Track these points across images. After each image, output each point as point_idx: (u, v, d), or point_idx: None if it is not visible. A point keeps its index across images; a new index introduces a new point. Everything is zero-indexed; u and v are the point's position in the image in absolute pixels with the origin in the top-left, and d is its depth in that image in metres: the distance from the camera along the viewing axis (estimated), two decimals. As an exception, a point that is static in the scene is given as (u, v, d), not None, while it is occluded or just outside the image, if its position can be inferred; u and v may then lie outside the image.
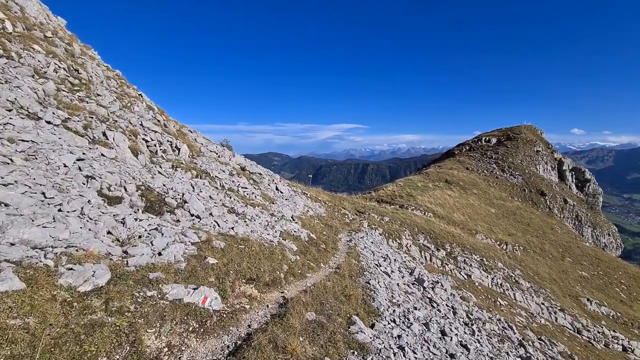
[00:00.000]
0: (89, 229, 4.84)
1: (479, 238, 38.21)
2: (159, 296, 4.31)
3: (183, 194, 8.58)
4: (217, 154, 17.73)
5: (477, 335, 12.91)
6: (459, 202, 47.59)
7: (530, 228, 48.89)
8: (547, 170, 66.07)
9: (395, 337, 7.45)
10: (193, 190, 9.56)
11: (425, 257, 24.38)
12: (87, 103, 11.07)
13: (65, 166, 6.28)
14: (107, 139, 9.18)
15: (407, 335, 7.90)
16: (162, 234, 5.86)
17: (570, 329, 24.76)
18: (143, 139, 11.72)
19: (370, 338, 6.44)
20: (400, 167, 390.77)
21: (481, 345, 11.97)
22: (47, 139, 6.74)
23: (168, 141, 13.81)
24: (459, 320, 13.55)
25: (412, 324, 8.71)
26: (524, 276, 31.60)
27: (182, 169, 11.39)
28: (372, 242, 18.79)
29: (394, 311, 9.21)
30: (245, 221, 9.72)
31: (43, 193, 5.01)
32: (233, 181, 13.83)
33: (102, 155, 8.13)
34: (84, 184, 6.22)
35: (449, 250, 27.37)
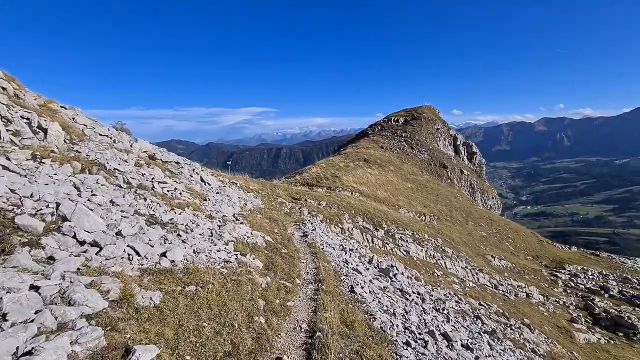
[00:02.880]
0: None
1: (402, 213, 39.84)
2: None
3: (58, 205, 4.62)
4: (111, 138, 12.69)
5: (453, 322, 12.11)
6: (380, 180, 49.20)
7: (439, 199, 53.95)
8: (446, 146, 74.18)
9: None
10: (79, 196, 5.52)
11: (367, 239, 23.49)
12: None
13: None
14: None
15: (434, 363, 5.96)
16: (5, 321, 2.28)
17: (490, 287, 27.33)
18: (-33, 112, 6.72)
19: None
20: (313, 150, 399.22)
21: (459, 333, 11.08)
22: None
23: (25, 118, 8.68)
24: (431, 308, 12.55)
25: (426, 342, 6.80)
26: (444, 244, 34.05)
27: (54, 161, 6.91)
28: (322, 232, 16.62)
29: (397, 327, 7.22)
30: (179, 235, 6.17)
31: None
32: (144, 175, 9.60)
33: None
34: None
35: (386, 229, 27.25)
